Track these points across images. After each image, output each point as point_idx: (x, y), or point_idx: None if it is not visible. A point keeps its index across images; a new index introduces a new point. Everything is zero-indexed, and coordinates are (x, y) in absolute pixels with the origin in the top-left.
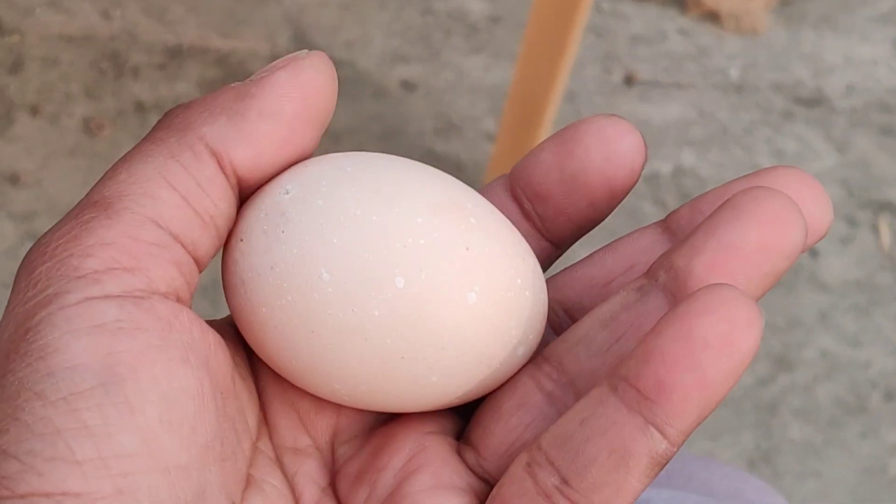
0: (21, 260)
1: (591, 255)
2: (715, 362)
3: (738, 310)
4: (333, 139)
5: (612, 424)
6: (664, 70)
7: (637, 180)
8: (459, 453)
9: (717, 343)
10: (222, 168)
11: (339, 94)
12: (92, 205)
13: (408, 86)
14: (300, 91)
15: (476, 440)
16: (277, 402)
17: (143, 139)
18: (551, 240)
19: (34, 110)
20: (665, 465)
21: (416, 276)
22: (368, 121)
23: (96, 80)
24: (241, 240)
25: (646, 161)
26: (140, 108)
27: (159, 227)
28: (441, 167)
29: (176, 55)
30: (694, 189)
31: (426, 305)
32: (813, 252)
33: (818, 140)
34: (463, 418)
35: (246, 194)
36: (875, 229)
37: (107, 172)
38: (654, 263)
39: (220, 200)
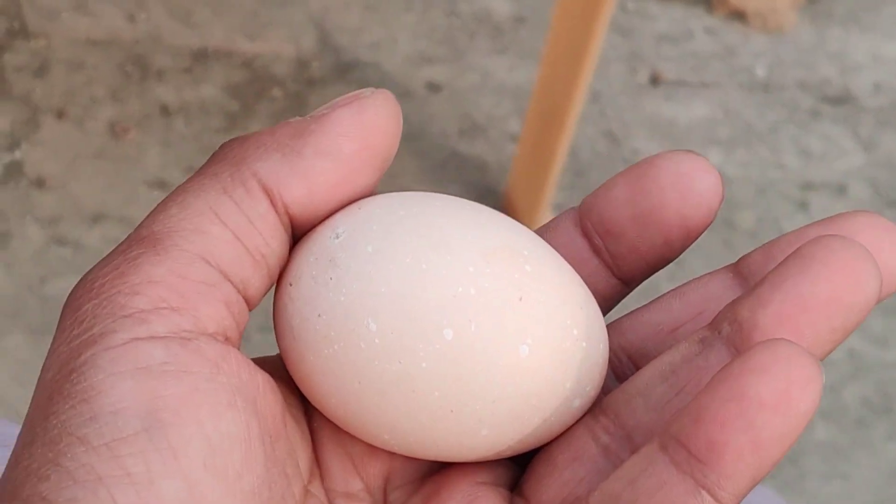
0: (46, 263)
1: (657, 299)
2: (770, 423)
3: (795, 367)
4: None
5: (662, 486)
6: (690, 69)
7: (714, 217)
8: None
9: (773, 403)
10: (274, 205)
11: None
12: (140, 240)
13: (433, 87)
14: (361, 131)
15: (529, 492)
16: (330, 444)
17: (197, 172)
18: (621, 277)
19: (60, 114)
20: None
21: (465, 328)
22: None
23: (121, 83)
24: (291, 284)
25: (723, 199)
26: (165, 111)
27: (209, 265)
28: (465, 168)
29: (201, 58)
30: None
31: (476, 358)
32: None
33: (845, 139)
34: (519, 466)
35: (299, 233)
36: None
37: (157, 206)
38: (718, 314)
39: (272, 238)
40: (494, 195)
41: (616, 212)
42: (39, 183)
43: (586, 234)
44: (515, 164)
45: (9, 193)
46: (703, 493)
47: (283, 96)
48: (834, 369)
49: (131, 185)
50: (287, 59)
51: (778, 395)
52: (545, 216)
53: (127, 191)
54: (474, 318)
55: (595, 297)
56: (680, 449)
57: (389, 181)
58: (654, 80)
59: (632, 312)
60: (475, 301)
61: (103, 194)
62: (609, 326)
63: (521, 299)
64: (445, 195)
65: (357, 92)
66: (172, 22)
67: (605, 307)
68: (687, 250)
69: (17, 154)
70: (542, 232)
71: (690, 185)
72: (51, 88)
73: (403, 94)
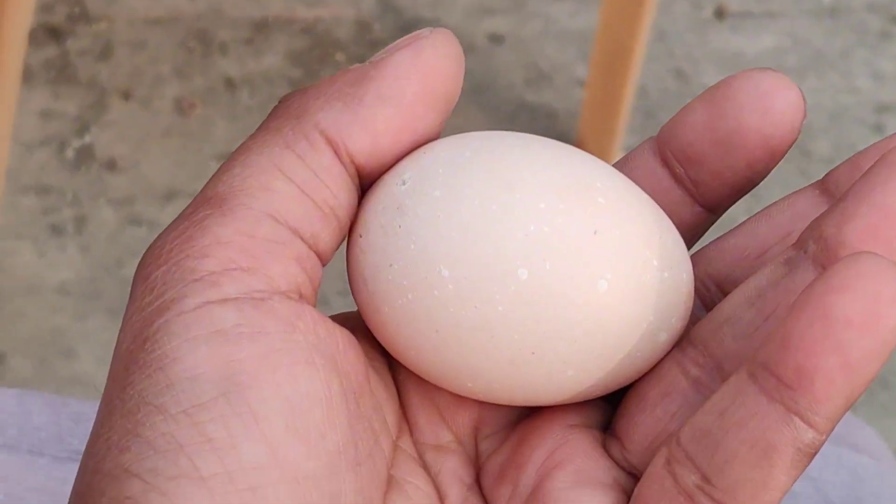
0: (122, 244)
1: (743, 223)
2: (858, 342)
3: (881, 282)
4: None
5: (752, 415)
6: (755, 0)
7: (797, 136)
8: (605, 446)
9: (860, 321)
10: (339, 156)
11: None
12: (206, 202)
13: (495, 38)
14: (421, 74)
15: (621, 432)
16: (417, 397)
17: (258, 128)
18: (706, 205)
19: (126, 95)
20: (815, 455)
21: (540, 267)
22: None
23: (185, 59)
24: (361, 235)
25: (805, 116)
26: (230, 84)
27: (277, 222)
28: (534, 118)
29: (262, 28)
30: None
31: (553, 297)
32: None
33: None
34: (611, 405)
35: (366, 183)
36: None
37: (221, 166)
38: (803, 232)
39: (340, 190)
40: (566, 143)
41: (696, 137)
42: (110, 165)
43: (666, 163)
44: (584, 109)
45: (81, 177)
46: (796, 419)
47: (346, 60)
48: None
49: (201, 161)
50: (348, 23)
51: (865, 313)
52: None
53: (197, 166)
54: (548, 256)
55: (680, 227)
56: (768, 377)
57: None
58: (720, 14)
59: (717, 239)
60: (548, 239)
61: (174, 172)
62: (695, 255)
63: (595, 233)
64: (514, 133)
65: (415, 33)
66: None
67: (692, 237)
68: (764, 181)
69: (87, 138)
70: (621, 164)
71: (771, 104)
72: (115, 70)
73: (466, 48)
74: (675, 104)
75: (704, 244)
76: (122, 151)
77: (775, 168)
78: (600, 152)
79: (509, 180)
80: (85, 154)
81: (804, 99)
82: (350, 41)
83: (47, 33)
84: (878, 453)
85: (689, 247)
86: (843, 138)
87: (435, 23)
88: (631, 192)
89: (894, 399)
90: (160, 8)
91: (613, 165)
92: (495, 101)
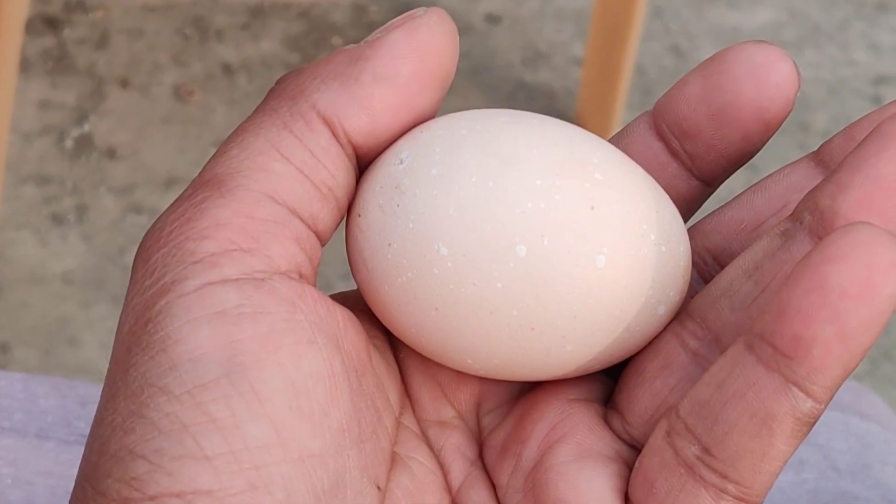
0: (124, 232)
1: (739, 195)
2: (855, 312)
3: (876, 252)
4: None
5: (751, 386)
6: None
7: (791, 108)
8: (606, 419)
9: (856, 291)
10: (336, 136)
11: None
12: (204, 184)
13: (492, 19)
14: (417, 52)
15: (622, 405)
16: (418, 374)
17: (255, 110)
18: (702, 178)
19: (124, 83)
20: (814, 424)
21: (537, 243)
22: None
23: (182, 46)
24: (360, 215)
25: (799, 87)
26: (228, 69)
27: (276, 203)
28: (532, 97)
29: (258, 14)
30: None
31: (551, 273)
32: None
33: None
34: (612, 378)
35: (364, 163)
36: None
37: (219, 148)
38: (799, 203)
39: (338, 170)
40: (564, 121)
41: (690, 111)
42: (110, 153)
43: (662, 137)
44: (582, 88)
45: (81, 166)
46: (794, 388)
47: (343, 44)
48: None
49: (201, 147)
50: (344, 6)
51: (860, 283)
52: None
53: (197, 153)
54: (546, 232)
55: (677, 201)
56: (766, 347)
57: None
58: None
59: (714, 212)
60: (545, 215)
61: (174, 158)
62: (691, 229)
63: (592, 208)
64: (510, 110)
65: (409, 13)
66: None
67: (689, 210)
68: (761, 154)
69: (86, 127)
70: (617, 139)
71: (765, 76)
72: (113, 58)
73: (463, 29)
74: (672, 81)
75: (701, 217)
76: (122, 139)
77: (773, 141)
78: (599, 130)
79: (506, 157)
80: (84, 143)
81: (798, 71)
82: (346, 24)
83: (44, 23)
84: (886, 420)
85: (686, 220)
86: (841, 111)
87: (431, 4)
88: (627, 167)
89: None
90: None
91: (609, 140)
92: (493, 81)
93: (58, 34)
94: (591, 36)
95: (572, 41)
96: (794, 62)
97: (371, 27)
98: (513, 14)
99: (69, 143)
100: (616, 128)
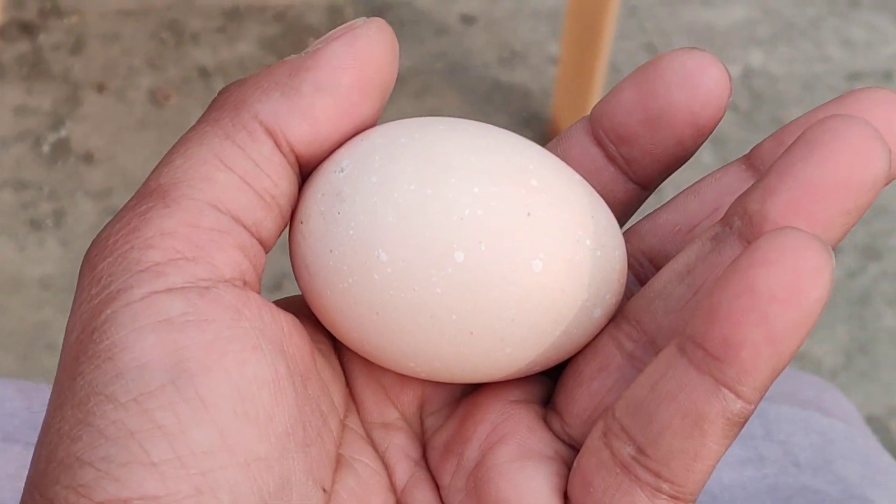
0: None
1: (673, 198)
2: (782, 315)
3: (803, 257)
4: (399, 82)
5: (682, 388)
6: None
7: (724, 113)
8: (545, 420)
9: (784, 295)
10: (278, 146)
11: (399, 35)
12: (149, 194)
13: (467, 19)
14: (357, 62)
15: (561, 406)
16: (362, 377)
17: (199, 120)
18: (638, 182)
19: (100, 88)
20: (744, 424)
21: (475, 249)
22: (432, 59)
23: (158, 50)
24: (302, 222)
25: (731, 93)
26: (204, 73)
27: (219, 211)
28: (509, 97)
29: (234, 17)
30: (765, 89)
31: (489, 278)
32: None
33: (887, 24)
34: (552, 380)
35: (307, 171)
36: None
37: (163, 158)
38: (729, 208)
39: (281, 179)
40: (540, 121)
41: (626, 116)
42: (87, 158)
43: (599, 143)
44: (557, 87)
45: (58, 171)
46: (724, 390)
47: None
48: None
49: None
50: (319, 8)
51: (788, 287)
52: None
53: None
54: (483, 238)
55: (614, 205)
56: (696, 349)
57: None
58: None
59: (649, 215)
60: (483, 221)
61: (151, 163)
62: (627, 232)
63: (529, 214)
64: (449, 118)
65: (350, 23)
66: None
67: (626, 213)
68: (736, 153)
69: (63, 132)
70: (555, 145)
71: (697, 82)
72: (88, 63)
73: (440, 30)
74: None
75: (638, 219)
76: (98, 144)
77: (748, 137)
78: None
79: (444, 165)
80: (61, 148)
81: (730, 77)
82: (323, 26)
83: (19, 29)
84: (847, 416)
85: (623, 223)
86: (815, 106)
87: (407, 6)
88: (563, 173)
89: (873, 364)
90: (131, 0)
91: (548, 146)
92: (469, 81)
93: (33, 39)
94: (566, 35)
95: (548, 40)
96: (726, 67)
97: None
98: (488, 14)
99: (46, 148)
100: None
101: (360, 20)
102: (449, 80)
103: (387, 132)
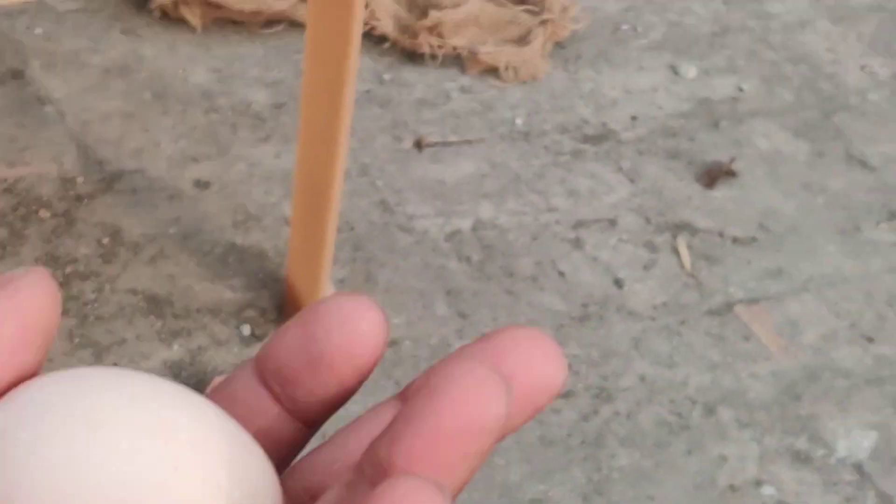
0: None
1: (333, 435)
2: None
3: (418, 502)
4: (133, 249)
5: None
6: (451, 129)
7: (382, 353)
8: None
9: None
10: None
11: (133, 203)
12: None
13: (201, 184)
14: (17, 312)
15: None
16: None
17: None
18: (304, 421)
19: None
20: None
21: None
22: (167, 225)
23: None
24: None
25: (388, 335)
26: None
27: None
28: (244, 259)
29: None
30: (495, 240)
31: None
32: (618, 282)
33: (609, 173)
34: None
35: None
36: (675, 251)
37: None
38: (362, 455)
39: None
40: (276, 281)
41: (291, 359)
42: None
43: (265, 383)
44: (290, 248)
45: None
46: None
47: (51, 216)
48: (628, 396)
49: None
50: (51, 179)
51: None
52: (327, 294)
53: None
54: (129, 495)
55: (280, 444)
56: None
57: (168, 283)
58: (419, 145)
59: (310, 452)
60: (128, 478)
61: None
62: (291, 469)
63: (176, 468)
64: (109, 369)
65: (9, 274)
66: None
67: (292, 452)
68: (470, 303)
69: None
70: (224, 385)
71: (354, 325)
72: None
73: (173, 195)
74: (381, 235)
75: (303, 456)
76: None
77: (481, 288)
78: (309, 288)
79: (94, 421)
80: None
81: (386, 319)
82: (54, 197)
83: None
84: None
85: (290, 461)
86: (545, 255)
87: (139, 173)
88: (217, 424)
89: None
90: None
91: (217, 386)
92: (204, 245)
93: None
94: (295, 196)
95: (282, 202)
96: (382, 310)
97: (79, 198)
98: (222, 178)
99: None
100: (325, 285)
101: (21, 270)
102: (183, 245)
103: (42, 385)
